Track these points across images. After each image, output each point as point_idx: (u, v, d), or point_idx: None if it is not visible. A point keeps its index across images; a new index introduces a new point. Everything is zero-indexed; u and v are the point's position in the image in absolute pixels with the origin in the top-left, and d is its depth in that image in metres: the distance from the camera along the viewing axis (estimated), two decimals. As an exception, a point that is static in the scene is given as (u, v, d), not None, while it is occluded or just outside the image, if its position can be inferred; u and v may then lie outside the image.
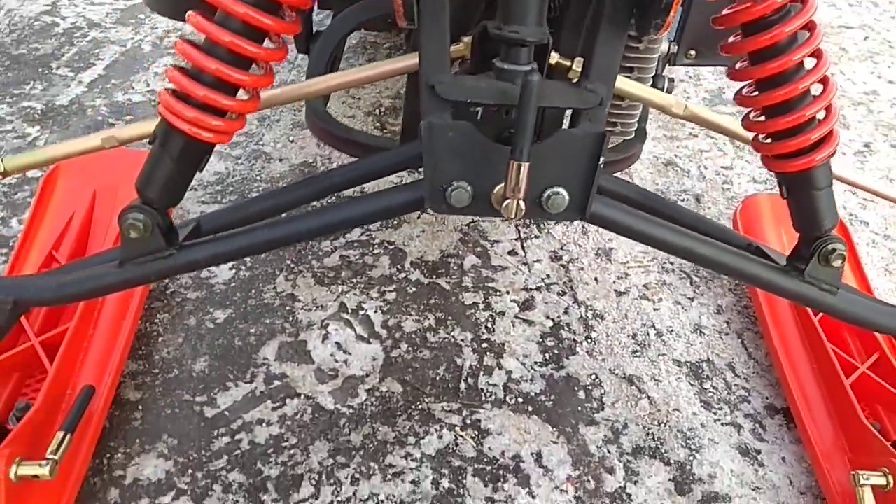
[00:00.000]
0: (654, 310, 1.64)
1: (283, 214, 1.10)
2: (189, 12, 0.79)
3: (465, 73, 0.96)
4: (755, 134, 0.98)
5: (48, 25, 2.57)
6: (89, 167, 1.55)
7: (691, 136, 2.29)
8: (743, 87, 0.95)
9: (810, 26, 0.87)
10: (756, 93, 0.93)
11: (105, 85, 2.24)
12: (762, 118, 0.95)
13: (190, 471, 1.22)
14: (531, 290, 1.66)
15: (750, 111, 0.97)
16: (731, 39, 0.92)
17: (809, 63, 0.90)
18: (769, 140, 0.96)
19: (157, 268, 0.89)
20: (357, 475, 1.25)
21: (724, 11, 0.89)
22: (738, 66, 0.93)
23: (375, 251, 1.71)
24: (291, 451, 1.27)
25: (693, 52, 1.35)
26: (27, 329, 1.26)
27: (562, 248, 1.79)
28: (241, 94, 0.86)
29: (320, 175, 1.10)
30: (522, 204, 0.84)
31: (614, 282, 1.71)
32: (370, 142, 1.20)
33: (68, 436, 1.09)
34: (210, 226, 1.02)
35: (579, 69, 0.97)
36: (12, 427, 1.11)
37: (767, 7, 0.84)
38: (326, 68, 1.28)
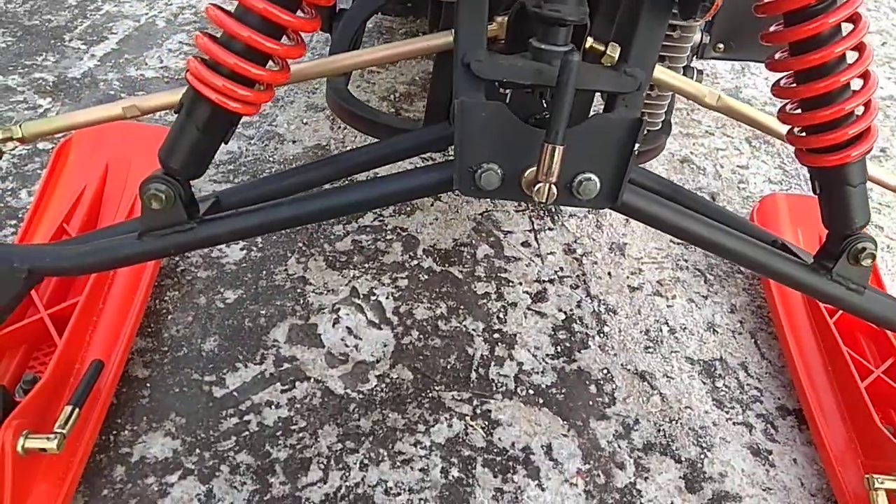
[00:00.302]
0: (668, 306, 1.62)
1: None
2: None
3: (498, 53, 0.94)
4: (790, 127, 0.95)
5: (61, -3, 2.54)
6: (102, 140, 1.52)
7: (707, 133, 2.27)
8: (781, 79, 0.93)
9: (855, 18, 0.85)
10: (795, 84, 0.90)
11: (118, 59, 2.22)
12: (799, 111, 0.93)
13: (197, 450, 1.21)
14: (544, 282, 1.65)
15: (786, 103, 0.94)
16: (772, 28, 0.89)
17: (851, 56, 0.88)
18: (804, 133, 0.94)
19: (177, 241, 0.88)
20: (366, 461, 1.23)
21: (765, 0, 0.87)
22: (777, 56, 0.90)
23: (388, 237, 1.69)
24: (300, 435, 1.26)
25: (721, 46, 1.33)
26: (36, 301, 1.24)
27: (575, 242, 1.77)
28: (270, 66, 0.84)
29: (341, 154, 1.08)
30: (554, 188, 0.82)
31: (628, 277, 1.69)
32: (392, 123, 1.18)
33: (77, 410, 1.07)
34: (229, 201, 1.00)
35: (613, 54, 0.95)
36: (20, 399, 1.09)
37: (813, -4, 0.82)
38: (349, 48, 1.26)
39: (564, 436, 1.32)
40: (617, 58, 0.94)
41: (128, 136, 1.54)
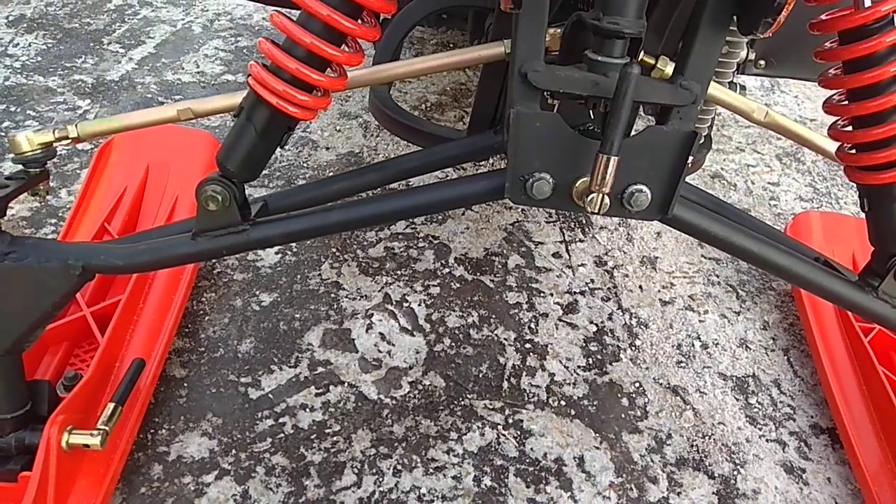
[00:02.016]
0: (700, 321, 1.62)
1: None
2: (289, -14, 0.79)
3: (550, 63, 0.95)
4: (840, 144, 0.95)
5: (100, 1, 2.59)
6: (143, 142, 1.55)
7: (738, 150, 2.26)
8: (832, 96, 0.93)
9: (911, 37, 0.85)
10: (847, 102, 0.90)
11: (155, 63, 2.25)
12: (850, 128, 0.93)
13: (233, 451, 1.21)
14: (575, 293, 1.65)
15: (837, 120, 0.94)
16: (826, 45, 0.90)
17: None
18: (855, 151, 0.94)
19: (231, 242, 0.89)
20: (399, 467, 1.24)
21: (823, 17, 0.87)
22: (830, 73, 0.91)
23: (420, 245, 1.70)
24: (334, 438, 1.26)
25: (762, 62, 1.33)
26: (78, 299, 1.26)
27: (606, 254, 1.77)
28: (329, 73, 0.85)
29: (386, 162, 1.10)
30: (607, 199, 0.82)
31: (659, 291, 1.69)
32: (436, 132, 1.19)
33: (119, 407, 1.09)
34: (277, 205, 1.01)
35: (664, 68, 0.95)
36: (63, 395, 1.11)
37: (869, 16, 0.82)
38: (393, 56, 1.28)
39: (597, 448, 1.32)
40: (667, 71, 0.95)
41: (168, 139, 1.57)
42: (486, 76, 1.08)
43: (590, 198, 0.82)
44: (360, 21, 0.81)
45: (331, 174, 1.89)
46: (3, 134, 1.88)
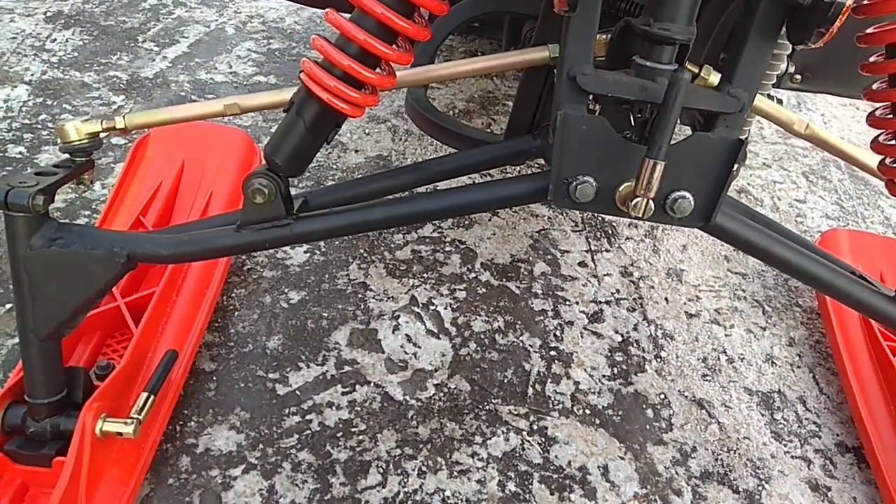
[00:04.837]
0: (726, 335, 1.61)
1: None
2: (346, -19, 0.80)
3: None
4: (882, 158, 0.95)
5: (136, 0, 2.62)
6: (179, 138, 1.57)
7: (764, 165, 2.26)
8: (877, 109, 0.93)
9: (960, 53, 0.85)
10: (892, 115, 0.90)
11: (188, 62, 2.28)
12: (894, 142, 0.92)
13: (261, 446, 1.22)
14: (600, 302, 1.65)
15: (880, 134, 0.94)
16: (871, 59, 0.90)
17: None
18: (898, 166, 0.93)
19: (274, 235, 0.90)
20: (424, 468, 1.24)
21: (870, 30, 0.88)
22: (875, 86, 0.91)
23: (447, 249, 1.71)
24: (360, 438, 1.26)
25: (799, 77, 1.33)
26: (113, 289, 1.27)
27: (632, 265, 1.77)
28: (378, 71, 0.86)
29: (425, 162, 1.10)
30: (651, 204, 0.82)
31: (685, 303, 1.68)
32: (473, 135, 1.20)
33: (152, 397, 1.10)
34: (317, 202, 1.02)
35: (707, 76, 0.96)
36: (97, 384, 1.12)
37: (919, 29, 0.83)
38: (432, 58, 1.29)
39: (621, 458, 1.31)
40: (710, 80, 0.95)
41: (204, 136, 1.59)
42: (526, 81, 1.09)
43: (634, 202, 0.82)
44: (412, 20, 0.82)
45: (359, 176, 1.90)
46: (39, 126, 1.91)
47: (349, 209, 0.92)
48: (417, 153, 2.01)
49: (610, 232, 1.86)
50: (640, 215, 0.83)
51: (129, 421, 1.05)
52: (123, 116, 1.00)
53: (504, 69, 0.99)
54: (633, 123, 0.94)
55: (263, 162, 0.90)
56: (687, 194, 0.85)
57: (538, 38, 1.05)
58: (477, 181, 1.85)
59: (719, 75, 0.93)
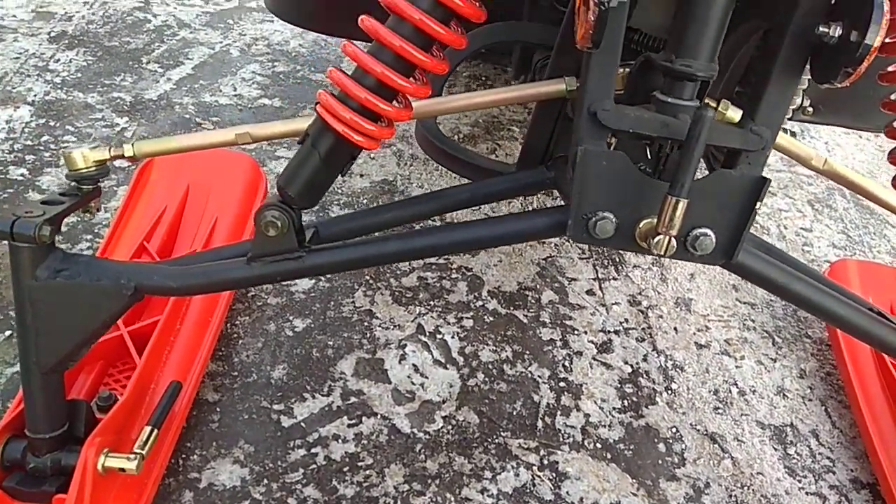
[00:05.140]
0: (736, 367, 1.59)
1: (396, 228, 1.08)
2: (361, 17, 0.79)
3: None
4: (905, 195, 0.94)
5: (140, 21, 2.62)
6: (184, 162, 1.55)
7: (769, 194, 2.25)
8: (899, 147, 0.92)
9: (985, 91, 0.84)
10: (916, 154, 0.89)
11: (193, 84, 2.27)
12: (917, 180, 0.91)
13: (265, 481, 1.19)
14: (609, 332, 1.62)
15: (903, 171, 0.93)
16: (893, 97, 0.89)
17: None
18: (921, 203, 0.92)
19: (286, 268, 0.88)
20: (432, 505, 1.21)
21: (891, 68, 0.87)
22: (897, 124, 0.90)
23: (453, 276, 1.69)
24: (367, 472, 1.23)
25: (811, 109, 1.32)
26: (116, 317, 1.25)
27: (640, 293, 1.75)
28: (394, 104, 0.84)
29: (435, 193, 1.09)
30: (674, 241, 0.81)
31: (694, 333, 1.66)
32: (485, 165, 1.18)
33: (156, 431, 1.07)
34: (328, 232, 1.00)
35: (725, 111, 0.95)
36: (99, 416, 1.09)
37: (944, 68, 0.82)
38: (441, 88, 1.28)
39: (634, 494, 1.29)
40: (729, 115, 0.94)
41: (209, 161, 1.57)
42: (540, 112, 1.08)
43: (656, 240, 0.80)
44: (430, 53, 0.81)
45: (364, 201, 1.88)
46: (41, 147, 1.89)
47: (362, 242, 0.90)
48: (423, 178, 1.99)
49: (617, 260, 1.84)
50: (662, 253, 0.81)
51: (132, 456, 1.01)
52: (132, 144, 0.98)
53: (520, 101, 0.98)
54: (648, 157, 0.93)
55: (275, 192, 0.88)
56: (709, 232, 0.84)
57: (553, 70, 1.04)
58: (483, 211, 1.84)
59: (738, 110, 0.92)
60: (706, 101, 0.95)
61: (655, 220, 0.82)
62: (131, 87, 2.20)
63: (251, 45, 2.55)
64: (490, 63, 2.50)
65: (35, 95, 2.11)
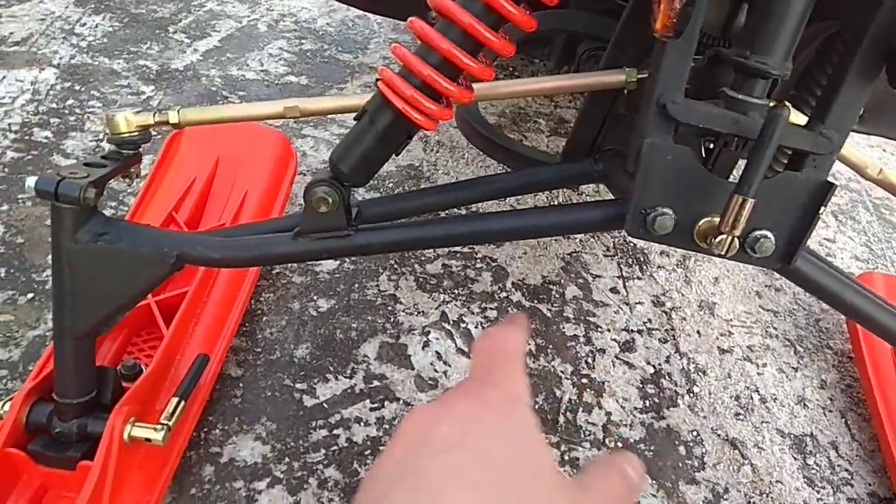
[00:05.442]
0: (758, 374, 1.58)
1: (443, 213, 1.06)
2: (429, -5, 0.77)
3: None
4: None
5: (167, -10, 2.59)
6: (215, 134, 1.53)
7: (794, 202, 2.23)
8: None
9: None
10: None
11: (220, 57, 2.24)
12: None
13: (287, 459, 1.18)
14: (632, 331, 1.61)
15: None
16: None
17: None
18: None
19: (332, 245, 0.86)
20: (453, 494, 1.19)
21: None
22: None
23: (478, 265, 1.67)
24: (388, 457, 1.22)
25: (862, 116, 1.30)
26: (143, 286, 1.23)
27: (664, 294, 1.73)
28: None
29: (477, 179, 1.06)
30: (737, 242, 0.79)
31: (717, 338, 1.65)
32: (530, 154, 1.17)
33: (183, 403, 1.05)
34: (370, 212, 0.98)
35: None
36: (126, 385, 1.07)
37: None
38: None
39: (654, 496, 1.28)
40: (792, 117, 0.92)
41: (240, 134, 1.55)
42: (592, 103, 1.06)
43: (718, 239, 0.79)
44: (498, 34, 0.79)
45: (390, 185, 1.87)
46: (66, 111, 1.87)
47: (411, 224, 0.88)
48: (449, 165, 1.97)
49: (642, 259, 1.82)
50: (724, 253, 0.79)
51: (158, 427, 1.00)
52: (177, 111, 0.96)
53: (576, 90, 0.96)
54: (703, 154, 0.91)
55: (327, 168, 0.86)
56: (769, 234, 0.82)
57: (609, 60, 1.02)
58: (512, 202, 1.82)
59: (798, 113, 0.90)
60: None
61: (716, 219, 0.80)
62: (157, 56, 2.18)
63: (279, 20, 2.52)
64: (521, 53, 2.47)
65: (61, 59, 2.08)
